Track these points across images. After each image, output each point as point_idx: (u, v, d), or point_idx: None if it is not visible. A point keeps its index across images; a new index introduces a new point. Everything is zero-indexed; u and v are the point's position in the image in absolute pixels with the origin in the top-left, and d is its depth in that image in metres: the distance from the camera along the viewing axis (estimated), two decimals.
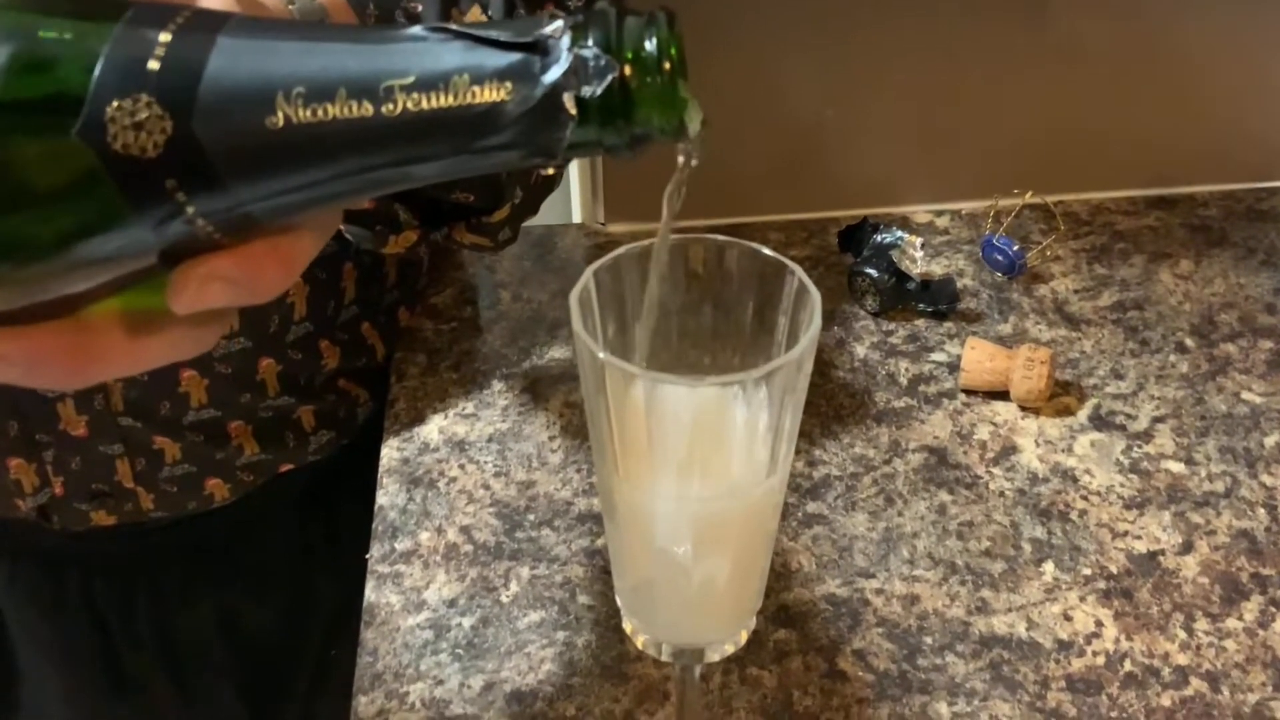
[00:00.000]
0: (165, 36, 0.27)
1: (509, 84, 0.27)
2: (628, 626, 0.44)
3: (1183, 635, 0.60)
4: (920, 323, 0.80)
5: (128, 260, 0.28)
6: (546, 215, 0.90)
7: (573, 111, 0.27)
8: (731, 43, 0.83)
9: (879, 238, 0.81)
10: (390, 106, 0.27)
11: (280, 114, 0.27)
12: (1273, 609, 0.61)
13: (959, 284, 0.83)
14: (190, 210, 0.27)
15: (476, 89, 0.27)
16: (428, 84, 0.27)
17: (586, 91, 0.27)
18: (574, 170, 0.92)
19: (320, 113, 0.27)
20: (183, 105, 0.26)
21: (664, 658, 0.44)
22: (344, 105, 0.27)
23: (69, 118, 0.26)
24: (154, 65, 0.26)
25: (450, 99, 0.27)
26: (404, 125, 0.27)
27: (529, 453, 0.71)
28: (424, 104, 0.27)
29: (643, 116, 0.28)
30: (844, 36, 0.84)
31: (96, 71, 0.26)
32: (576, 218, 0.93)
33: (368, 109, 0.27)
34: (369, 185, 0.29)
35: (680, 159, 0.33)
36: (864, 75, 0.86)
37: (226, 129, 0.27)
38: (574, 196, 0.93)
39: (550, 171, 0.65)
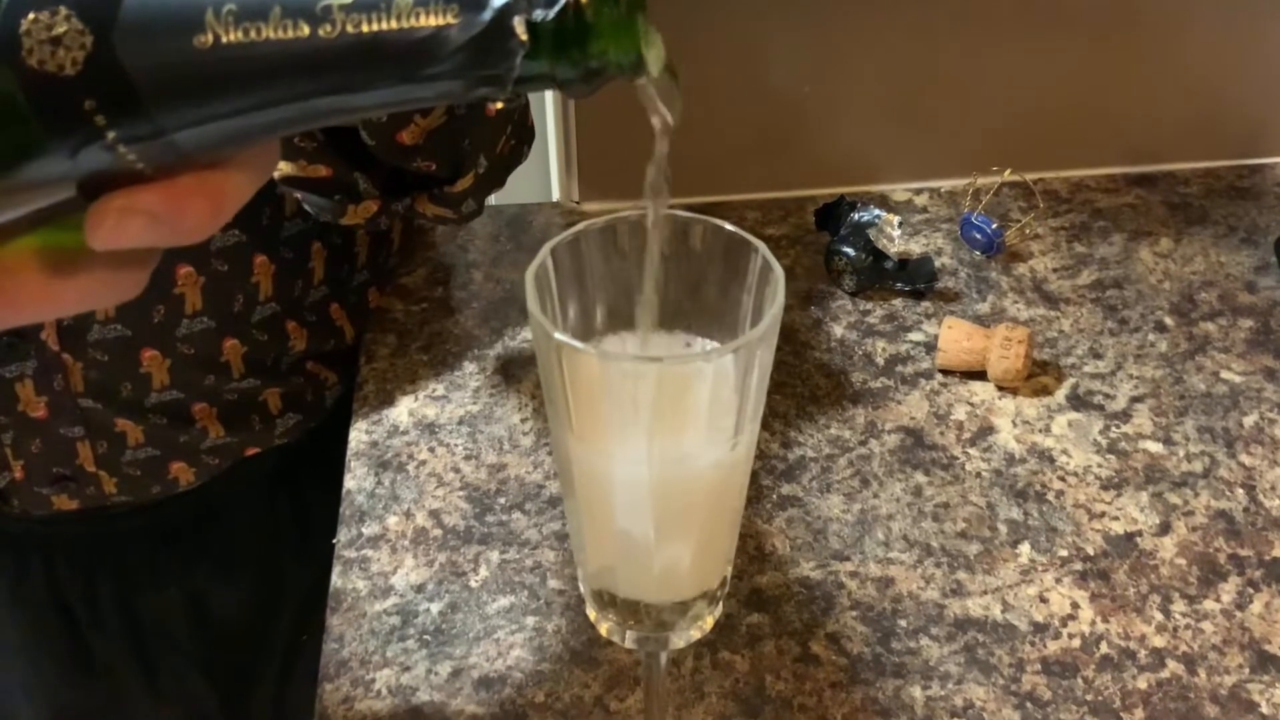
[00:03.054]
0: None
1: (455, 6, 0.25)
2: (591, 613, 0.43)
3: (1159, 617, 0.60)
4: (898, 302, 0.79)
5: (44, 190, 0.27)
6: (521, 193, 0.89)
7: (523, 37, 0.26)
8: (711, 19, 0.82)
9: (856, 216, 0.80)
10: (327, 28, 0.25)
11: (209, 33, 0.25)
12: (1250, 590, 0.61)
13: (937, 263, 0.82)
14: (110, 135, 0.25)
15: (420, 11, 0.25)
16: (368, 5, 0.25)
17: (538, 16, 0.26)
18: (550, 147, 0.90)
19: (252, 32, 0.25)
20: (104, 20, 0.25)
21: (628, 644, 0.43)
22: (278, 25, 0.25)
23: None
24: None
25: (391, 22, 0.25)
26: (342, 49, 0.25)
27: (500, 435, 0.70)
28: (363, 26, 0.25)
29: (598, 47, 0.27)
30: (823, 13, 0.82)
31: None
32: (555, 196, 0.92)
33: (303, 30, 0.25)
34: (305, 115, 0.27)
35: (657, 130, 0.32)
36: (843, 52, 0.85)
37: (151, 47, 0.25)
38: (553, 173, 0.92)
39: (495, 107, 0.63)
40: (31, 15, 0.25)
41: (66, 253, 0.28)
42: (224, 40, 0.25)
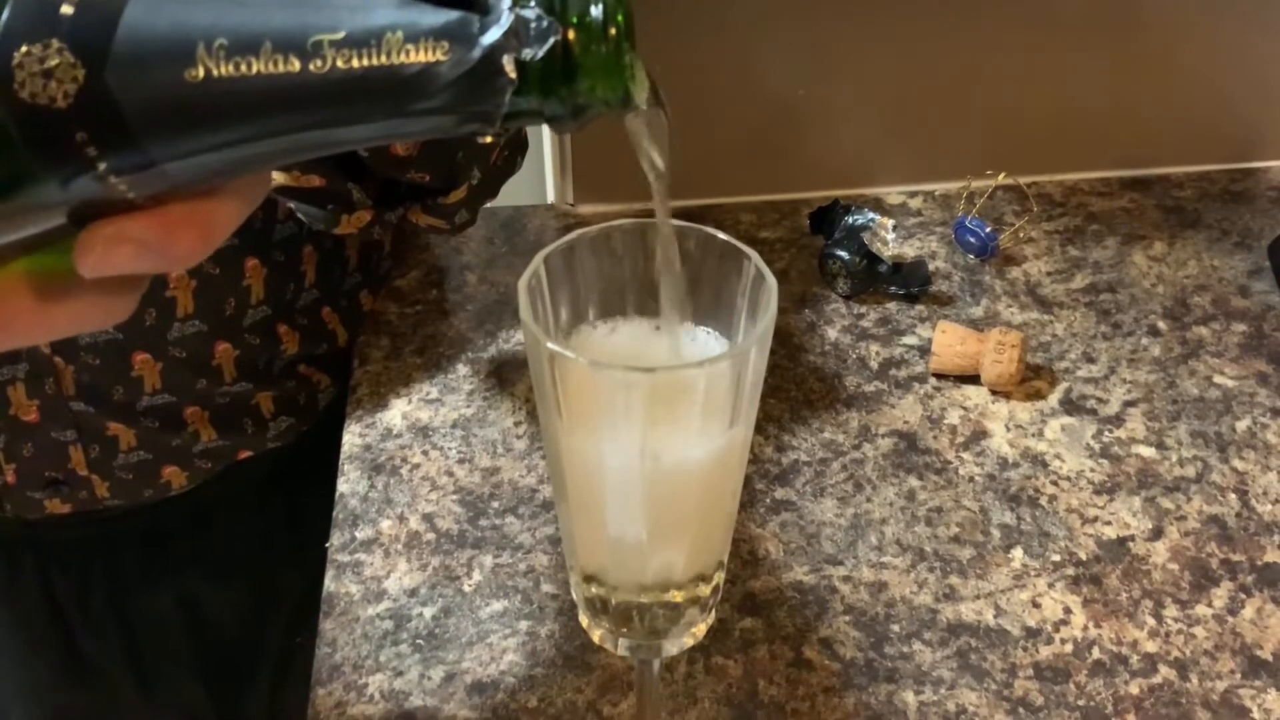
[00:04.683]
0: None
1: (445, 44, 0.26)
2: (584, 620, 0.43)
3: (1151, 622, 0.60)
4: (891, 305, 0.79)
5: (35, 218, 0.27)
6: (515, 196, 0.89)
7: (512, 75, 0.26)
8: (704, 22, 0.82)
9: (850, 219, 0.80)
10: (318, 63, 0.25)
11: (200, 67, 0.25)
12: (1242, 596, 0.61)
13: (931, 266, 0.82)
14: (101, 166, 0.26)
15: (410, 48, 0.26)
16: (358, 41, 0.25)
17: (527, 54, 0.26)
18: (544, 150, 0.90)
19: (243, 67, 0.25)
20: (96, 53, 0.25)
21: (621, 652, 0.43)
22: (269, 60, 0.25)
23: None
24: (67, 9, 0.25)
25: (382, 58, 0.25)
26: (332, 84, 0.26)
27: (493, 439, 0.70)
28: (354, 62, 0.25)
29: (585, 85, 0.27)
30: (818, 17, 0.82)
31: (4, 14, 0.25)
32: (550, 198, 0.92)
33: (294, 65, 0.25)
34: (294, 147, 0.27)
35: (651, 177, 0.32)
36: (838, 55, 0.85)
37: (142, 80, 0.25)
38: (547, 176, 0.92)
39: (489, 139, 0.63)
40: (24, 48, 0.25)
41: (57, 277, 0.28)
42: (215, 74, 0.25)
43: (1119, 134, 0.91)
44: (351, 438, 0.70)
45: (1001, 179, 0.85)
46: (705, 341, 0.40)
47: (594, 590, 0.42)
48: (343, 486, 0.67)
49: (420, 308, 0.80)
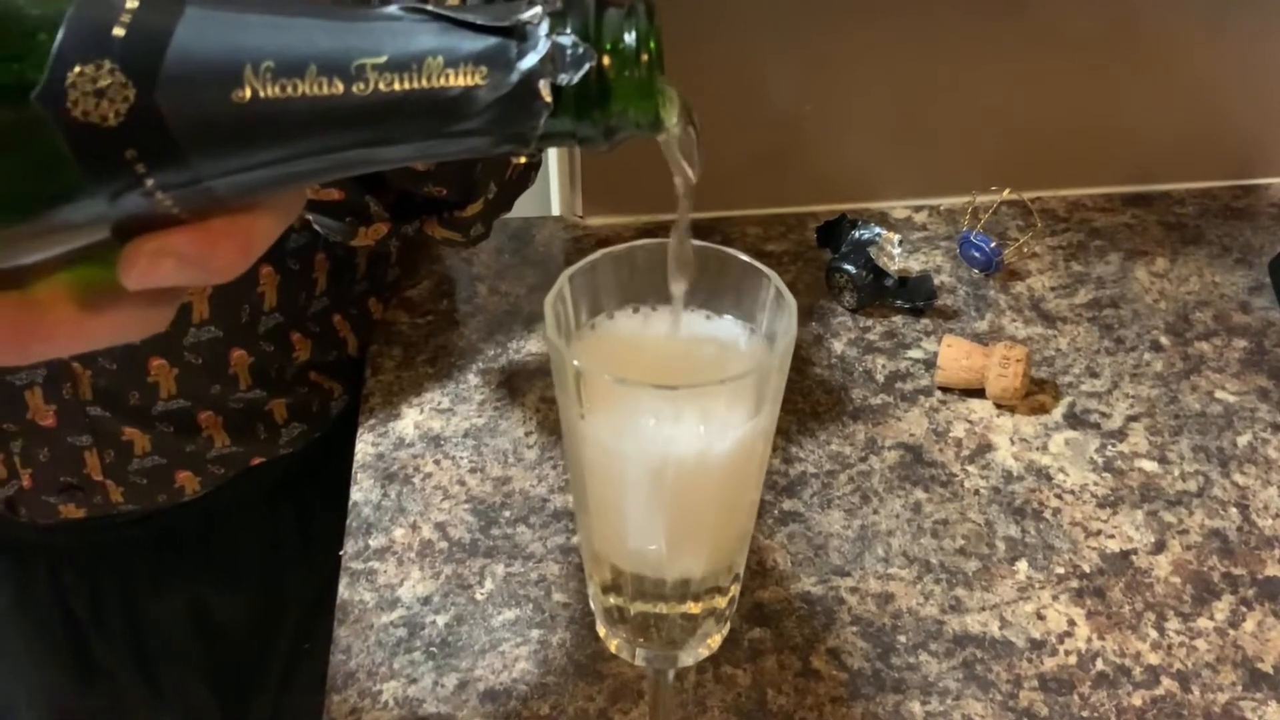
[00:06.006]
0: (132, 3, 0.26)
1: (484, 68, 0.27)
2: (601, 630, 0.44)
3: (1154, 635, 0.61)
4: (897, 319, 0.80)
5: (81, 232, 0.28)
6: (524, 207, 0.90)
7: (548, 99, 0.27)
8: (712, 37, 0.83)
9: (857, 234, 0.81)
10: (361, 86, 0.26)
11: (248, 88, 0.26)
12: (1244, 609, 0.62)
13: (936, 281, 0.83)
14: (149, 183, 0.27)
15: (450, 72, 0.27)
16: (400, 65, 0.26)
17: (563, 79, 0.27)
18: (552, 162, 0.91)
19: (289, 89, 0.26)
20: (147, 74, 0.26)
21: (637, 661, 0.43)
22: (314, 82, 0.26)
23: (28, 81, 0.26)
24: (119, 32, 0.26)
25: (423, 81, 0.27)
26: (374, 106, 0.27)
27: (505, 448, 0.71)
28: (396, 85, 0.26)
29: (618, 108, 0.28)
30: (824, 32, 0.83)
31: (59, 36, 0.26)
32: (555, 210, 0.93)
33: (338, 87, 0.26)
34: (336, 165, 0.28)
35: (680, 190, 0.33)
36: (843, 70, 0.86)
37: (191, 100, 0.26)
38: (553, 188, 0.92)
39: (522, 160, 0.65)
40: (78, 68, 0.26)
41: (99, 289, 0.29)
42: (261, 95, 0.26)
43: (1122, 150, 0.92)
44: (364, 446, 0.71)
45: (1006, 194, 0.86)
46: (731, 330, 0.40)
47: (612, 600, 0.43)
48: (356, 495, 0.68)
49: (431, 318, 0.81)
